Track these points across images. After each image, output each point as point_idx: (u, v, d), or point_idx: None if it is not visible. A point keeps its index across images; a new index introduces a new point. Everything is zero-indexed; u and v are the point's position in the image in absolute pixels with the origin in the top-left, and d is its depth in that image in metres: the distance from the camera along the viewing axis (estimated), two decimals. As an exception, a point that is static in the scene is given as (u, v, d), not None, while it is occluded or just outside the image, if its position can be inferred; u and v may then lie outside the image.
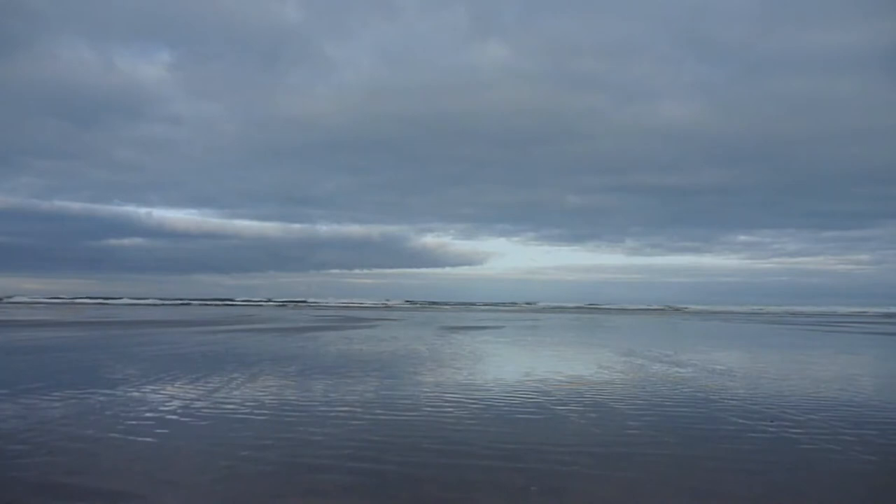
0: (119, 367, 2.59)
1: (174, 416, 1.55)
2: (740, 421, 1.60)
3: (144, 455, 1.20)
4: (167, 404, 1.71)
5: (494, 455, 1.22)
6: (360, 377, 2.33)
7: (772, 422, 1.59)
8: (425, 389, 2.09)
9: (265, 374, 2.38)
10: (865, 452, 1.29)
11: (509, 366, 2.97)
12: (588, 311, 23.58)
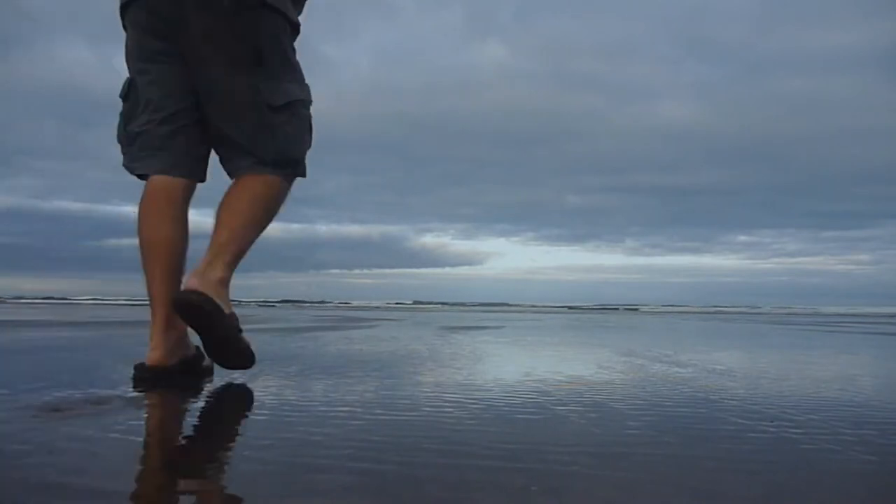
0: (119, 367, 2.59)
1: (174, 416, 1.55)
2: (740, 421, 1.60)
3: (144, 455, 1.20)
4: (167, 404, 1.72)
5: (494, 455, 1.22)
6: (360, 377, 2.33)
7: (772, 422, 1.58)
8: (425, 389, 2.08)
9: (265, 374, 2.38)
10: (865, 452, 1.29)
11: (509, 366, 2.97)
12: (588, 311, 23.56)
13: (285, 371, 2.47)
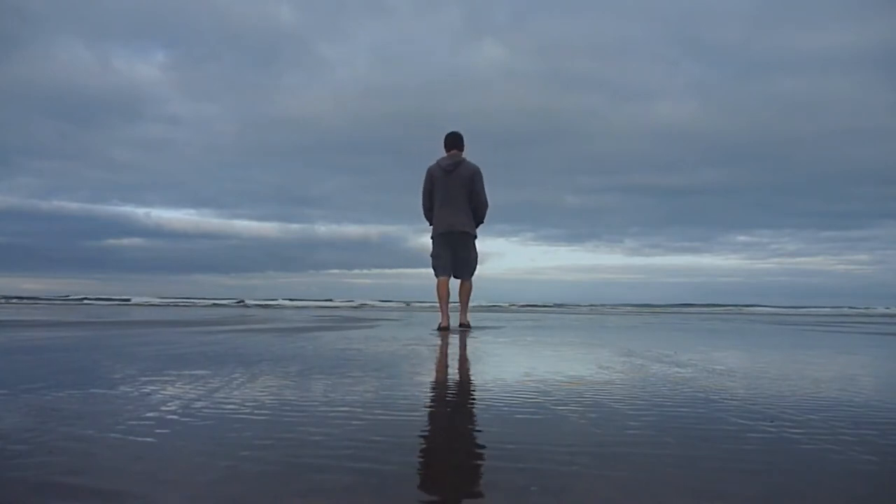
0: (119, 367, 2.59)
1: (174, 416, 1.55)
2: (740, 421, 1.60)
3: (144, 455, 1.20)
4: (167, 404, 1.71)
5: (494, 455, 1.22)
6: (360, 377, 2.33)
7: (772, 422, 1.58)
8: (425, 389, 2.09)
9: (265, 374, 2.38)
10: (865, 452, 1.29)
11: (509, 366, 2.97)
12: (588, 311, 23.57)
13: (285, 371, 2.47)
